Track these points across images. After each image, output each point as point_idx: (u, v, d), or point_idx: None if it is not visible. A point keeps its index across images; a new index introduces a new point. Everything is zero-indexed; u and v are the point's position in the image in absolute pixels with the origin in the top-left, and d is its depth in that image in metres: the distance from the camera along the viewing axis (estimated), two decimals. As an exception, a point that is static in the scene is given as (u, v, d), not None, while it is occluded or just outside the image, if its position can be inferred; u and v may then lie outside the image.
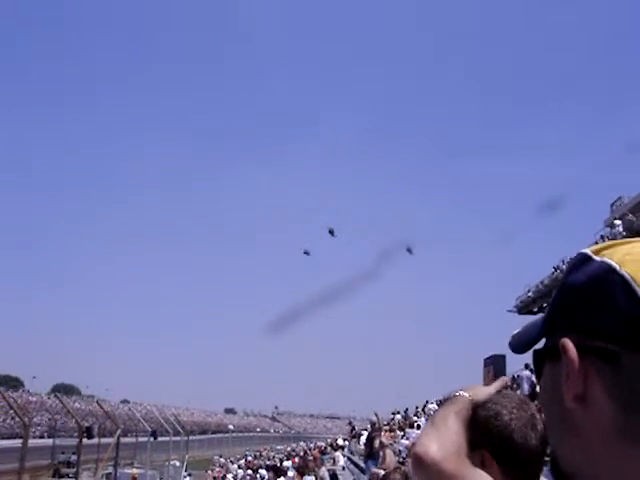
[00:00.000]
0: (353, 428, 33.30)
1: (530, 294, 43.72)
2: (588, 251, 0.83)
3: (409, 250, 52.49)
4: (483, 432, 1.65)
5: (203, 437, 78.23)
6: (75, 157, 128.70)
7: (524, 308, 44.15)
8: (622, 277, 0.77)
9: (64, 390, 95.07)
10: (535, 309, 43.06)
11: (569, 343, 0.80)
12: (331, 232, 50.69)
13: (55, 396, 46.21)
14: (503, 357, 34.91)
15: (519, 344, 0.93)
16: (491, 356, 36.35)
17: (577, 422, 0.79)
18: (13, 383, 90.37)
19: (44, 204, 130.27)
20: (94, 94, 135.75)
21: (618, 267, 0.78)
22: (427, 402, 30.82)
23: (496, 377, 1.57)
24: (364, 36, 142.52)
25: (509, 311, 46.41)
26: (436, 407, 27.37)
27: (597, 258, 0.81)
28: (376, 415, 13.25)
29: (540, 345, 0.89)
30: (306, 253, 54.63)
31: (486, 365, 37.38)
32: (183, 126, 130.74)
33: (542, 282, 41.64)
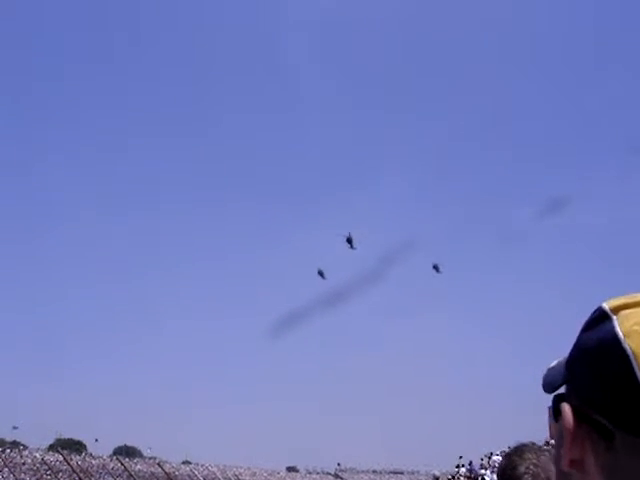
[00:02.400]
0: None
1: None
2: (607, 308, 0.77)
3: (436, 268, 50.24)
4: None
5: (265, 497, 77.11)
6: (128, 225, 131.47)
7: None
8: (624, 352, 0.71)
9: (126, 452, 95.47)
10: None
11: (566, 409, 0.77)
12: (349, 241, 44.75)
13: (117, 459, 46.37)
14: (568, 405, 33.82)
15: (546, 383, 0.87)
16: (556, 404, 35.25)
17: None
18: (76, 447, 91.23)
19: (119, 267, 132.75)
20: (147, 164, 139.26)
21: (623, 339, 0.72)
22: (492, 454, 29.89)
23: (555, 418, 1.56)
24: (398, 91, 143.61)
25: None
26: (500, 459, 26.50)
27: (613, 318, 0.75)
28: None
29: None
30: (320, 274, 47.69)
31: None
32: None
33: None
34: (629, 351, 0.71)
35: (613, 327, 0.74)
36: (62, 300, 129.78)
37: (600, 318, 0.77)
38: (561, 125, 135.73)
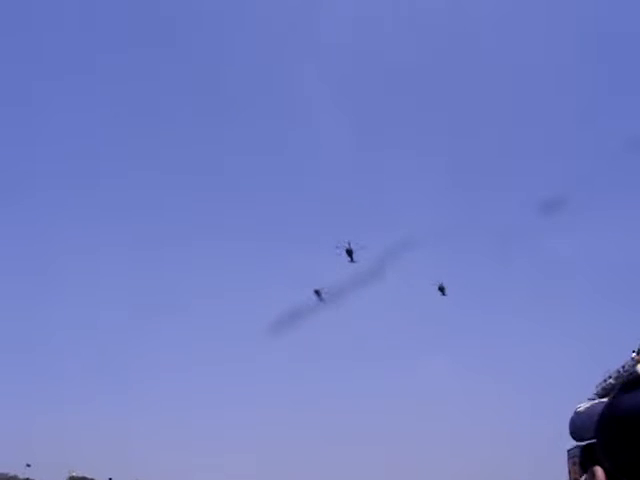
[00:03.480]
0: None
1: (611, 380, 42.11)
2: None
3: (441, 289, 48.02)
4: None
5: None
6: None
7: (605, 395, 42.41)
8: None
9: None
10: (618, 396, 41.61)
11: (599, 474, 0.80)
12: (349, 253, 41.57)
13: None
14: (588, 448, 33.24)
15: (574, 431, 0.94)
16: (575, 447, 34.60)
17: None
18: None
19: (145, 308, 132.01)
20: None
21: None
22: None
23: (583, 470, 1.54)
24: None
25: (590, 399, 44.62)
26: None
27: None
28: None
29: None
30: (317, 293, 42.63)
31: (570, 457, 35.70)
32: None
33: (623, 367, 40.16)
34: None
35: None
36: (75, 339, 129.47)
37: (635, 383, 0.78)
38: (558, 125, 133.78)
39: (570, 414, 1.63)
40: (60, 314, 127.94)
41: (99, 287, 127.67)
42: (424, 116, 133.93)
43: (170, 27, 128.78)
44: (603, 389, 42.56)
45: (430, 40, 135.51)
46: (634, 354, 38.85)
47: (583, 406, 0.96)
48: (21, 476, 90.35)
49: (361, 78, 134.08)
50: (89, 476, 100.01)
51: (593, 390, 44.59)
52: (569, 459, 35.29)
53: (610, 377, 42.05)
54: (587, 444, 0.86)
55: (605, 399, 0.99)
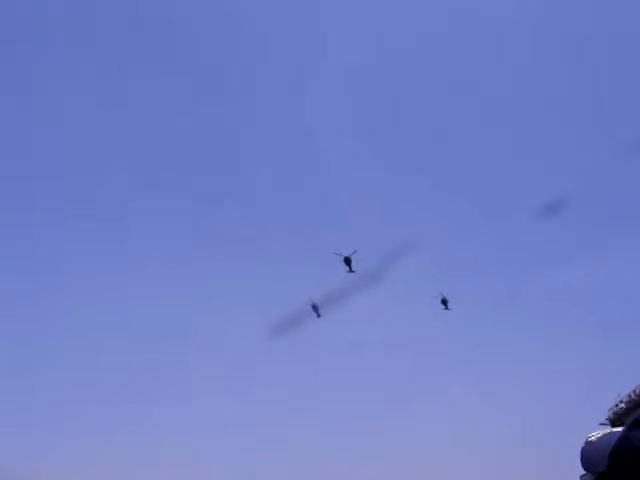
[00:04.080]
0: None
1: (622, 405, 41.69)
2: None
3: (444, 302, 47.92)
4: None
5: None
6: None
7: (617, 420, 42.10)
8: None
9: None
10: (630, 421, 41.38)
11: None
12: (348, 262, 40.86)
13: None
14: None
15: (585, 462, 0.87)
16: (587, 474, 34.27)
17: None
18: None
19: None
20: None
21: None
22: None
23: None
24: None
25: (602, 424, 44.27)
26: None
27: None
28: None
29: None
30: (314, 308, 41.57)
31: (583, 483, 35.44)
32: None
33: (634, 391, 39.84)
34: None
35: None
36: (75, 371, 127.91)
37: None
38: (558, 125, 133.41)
39: (582, 441, 1.58)
40: (60, 336, 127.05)
41: (98, 305, 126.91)
42: (425, 119, 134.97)
43: (170, 39, 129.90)
44: (615, 414, 42.18)
45: (432, 43, 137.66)
46: (645, 378, 38.57)
47: (594, 435, 0.93)
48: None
49: (363, 86, 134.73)
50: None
51: (605, 415, 44.19)
52: (581, 486, 34.74)
53: (622, 402, 41.72)
54: (600, 474, 0.86)
55: (616, 429, 1.01)
